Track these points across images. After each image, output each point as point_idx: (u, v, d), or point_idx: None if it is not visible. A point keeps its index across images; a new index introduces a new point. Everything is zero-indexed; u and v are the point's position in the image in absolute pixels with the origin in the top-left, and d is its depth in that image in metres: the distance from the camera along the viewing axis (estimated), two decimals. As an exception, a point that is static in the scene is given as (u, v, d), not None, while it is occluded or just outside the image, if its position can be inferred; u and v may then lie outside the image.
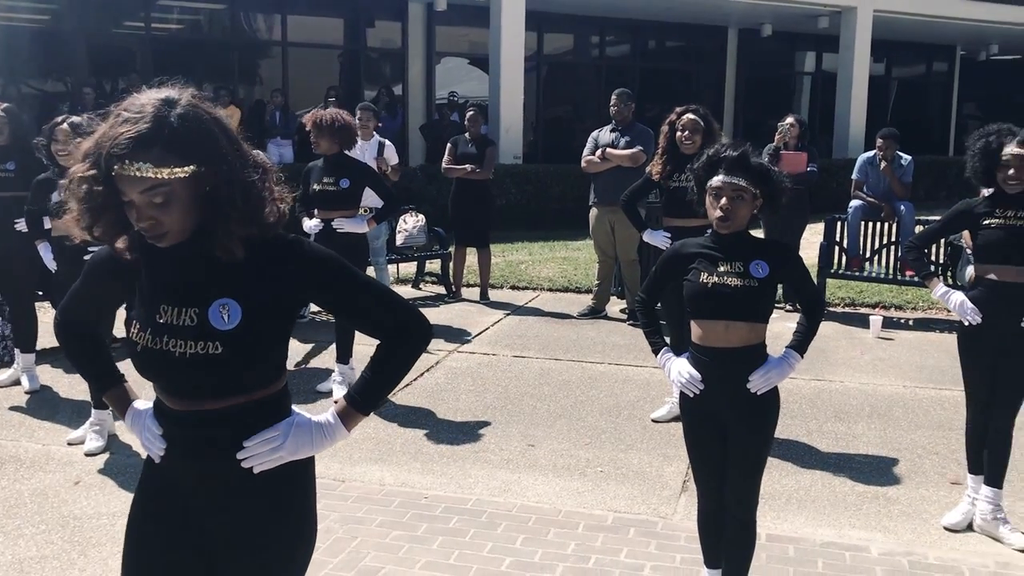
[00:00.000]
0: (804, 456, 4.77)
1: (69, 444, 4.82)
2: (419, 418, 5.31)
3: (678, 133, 5.16)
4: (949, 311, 3.89)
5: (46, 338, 5.99)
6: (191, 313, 1.80)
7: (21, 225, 5.54)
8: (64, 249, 5.03)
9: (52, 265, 5.40)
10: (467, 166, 8.15)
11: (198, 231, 1.80)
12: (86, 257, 2.15)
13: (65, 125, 5.05)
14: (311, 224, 5.65)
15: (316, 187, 5.59)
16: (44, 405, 5.46)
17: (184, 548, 1.93)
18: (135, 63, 13.65)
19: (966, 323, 3.84)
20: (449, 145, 8.43)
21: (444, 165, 8.39)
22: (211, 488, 1.89)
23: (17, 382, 5.78)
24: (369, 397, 1.96)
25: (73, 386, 5.70)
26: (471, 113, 8.43)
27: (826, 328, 7.51)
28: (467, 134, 8.36)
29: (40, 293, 6.25)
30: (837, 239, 8.26)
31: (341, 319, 2.04)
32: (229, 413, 1.85)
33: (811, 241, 8.46)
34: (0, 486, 4.30)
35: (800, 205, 7.89)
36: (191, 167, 1.73)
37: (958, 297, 3.86)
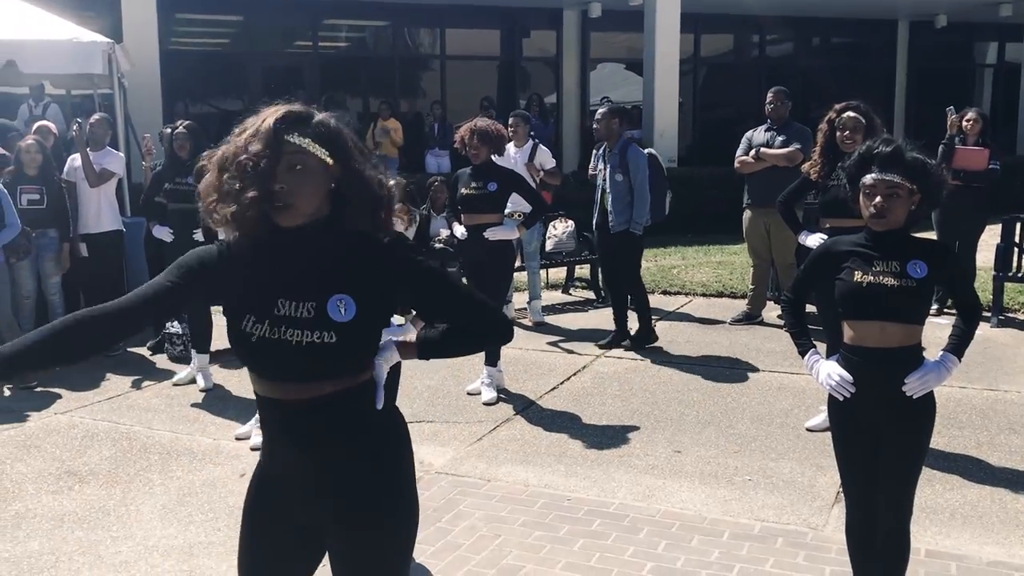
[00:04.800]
0: (972, 469, 4.47)
1: (237, 439, 5.13)
2: (565, 421, 5.33)
3: (838, 132, 4.94)
4: None
5: (219, 340, 6.38)
6: (308, 306, 1.98)
7: (199, 235, 5.96)
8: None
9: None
10: None
11: (319, 222, 2.00)
12: None
13: None
14: (460, 231, 5.81)
15: (464, 191, 5.77)
16: (216, 402, 5.83)
17: (291, 532, 2.10)
18: (304, 80, 14.39)
19: None
20: (595, 151, 8.40)
21: (591, 171, 8.37)
22: (320, 473, 2.04)
23: (193, 380, 6.20)
24: (430, 350, 2.21)
25: (242, 385, 6.05)
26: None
27: (1003, 335, 7.03)
28: None
29: (215, 298, 6.69)
30: (1016, 240, 7.70)
31: (433, 321, 2.25)
32: (334, 399, 2.01)
33: (988, 243, 7.93)
34: (175, 476, 4.63)
35: (978, 204, 7.43)
36: (327, 155, 1.99)
37: None
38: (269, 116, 2.00)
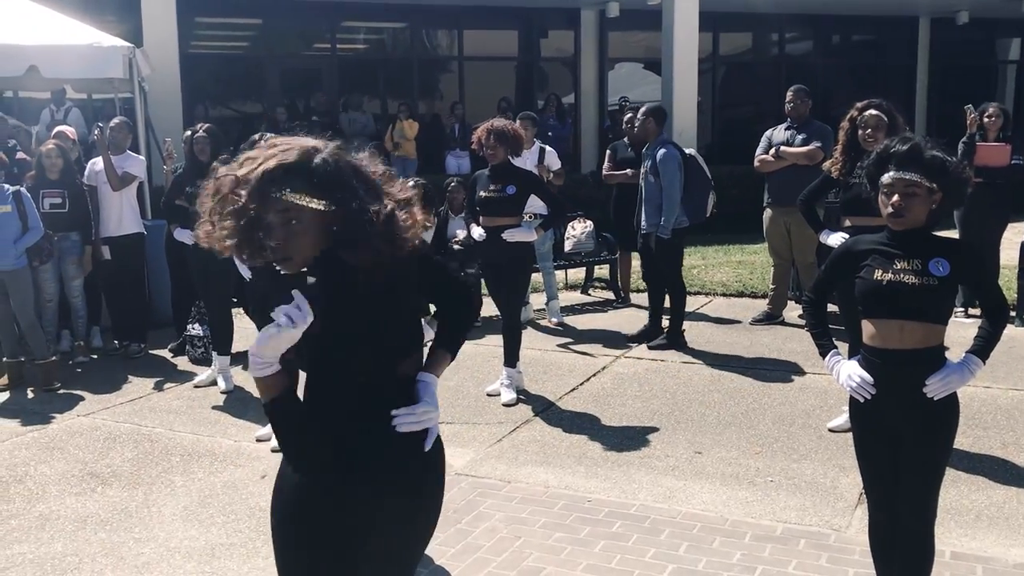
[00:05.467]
0: (998, 470, 4.42)
1: (258, 440, 5.14)
2: (585, 422, 5.31)
3: (860, 130, 4.90)
4: None
5: (241, 342, 6.41)
6: None
7: (218, 237, 5.98)
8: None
9: (247, 274, 5.76)
10: (627, 171, 8.07)
11: (320, 256, 1.98)
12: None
13: (262, 142, 5.41)
14: (477, 232, 5.81)
15: (482, 193, 5.76)
16: (237, 404, 5.86)
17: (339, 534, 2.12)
18: (322, 83, 14.44)
19: None
20: (608, 151, 8.40)
21: (604, 172, 8.36)
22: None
23: (214, 382, 6.23)
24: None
25: (263, 386, 6.07)
26: (629, 116, 8.34)
27: (1028, 334, 6.95)
28: (626, 139, 8.29)
29: (235, 300, 6.72)
30: (1041, 238, 7.60)
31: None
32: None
33: (1012, 241, 7.84)
34: (196, 478, 4.65)
35: (999, 201, 7.35)
36: (324, 202, 1.91)
37: None
38: (259, 166, 1.91)
